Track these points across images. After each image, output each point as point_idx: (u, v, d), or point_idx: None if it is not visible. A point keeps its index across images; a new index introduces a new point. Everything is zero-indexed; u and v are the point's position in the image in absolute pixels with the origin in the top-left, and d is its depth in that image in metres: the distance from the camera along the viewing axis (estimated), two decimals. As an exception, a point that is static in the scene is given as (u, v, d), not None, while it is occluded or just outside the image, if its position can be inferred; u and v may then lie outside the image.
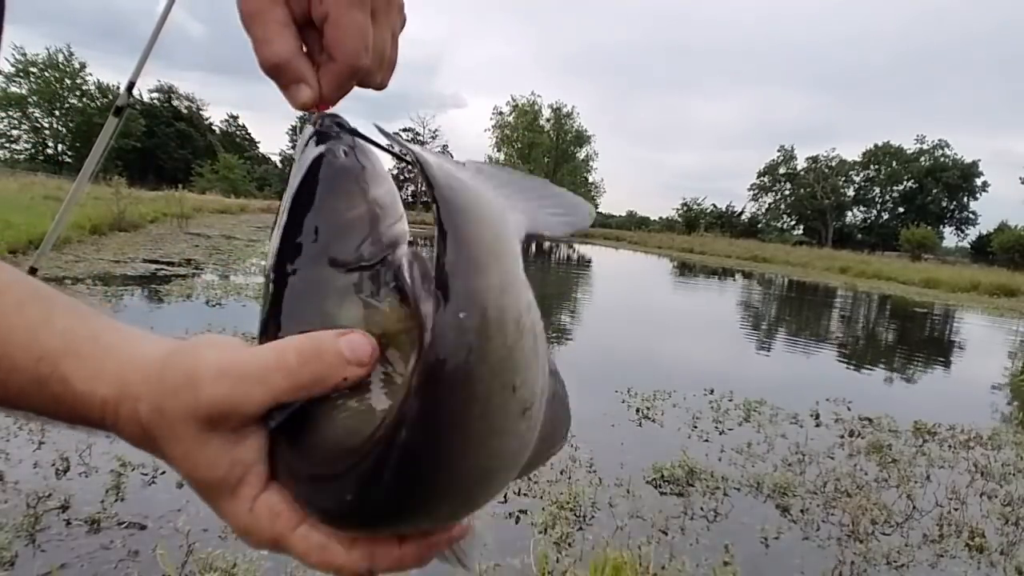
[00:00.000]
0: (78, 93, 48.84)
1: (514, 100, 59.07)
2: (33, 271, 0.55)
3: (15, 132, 47.75)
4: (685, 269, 23.31)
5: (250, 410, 0.30)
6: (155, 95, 55.49)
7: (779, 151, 71.84)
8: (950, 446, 4.14)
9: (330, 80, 0.38)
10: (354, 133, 0.37)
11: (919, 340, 10.30)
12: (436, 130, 69.33)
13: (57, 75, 47.45)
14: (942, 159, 63.28)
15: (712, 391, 4.94)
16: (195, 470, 0.31)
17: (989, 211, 75.61)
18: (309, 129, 0.37)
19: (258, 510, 0.32)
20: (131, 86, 0.49)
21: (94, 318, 0.34)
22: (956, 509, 3.13)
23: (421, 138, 68.72)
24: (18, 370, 0.31)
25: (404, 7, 0.43)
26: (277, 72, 0.37)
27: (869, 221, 68.32)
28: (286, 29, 0.37)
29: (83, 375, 0.32)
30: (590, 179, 61.92)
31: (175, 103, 56.78)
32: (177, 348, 0.32)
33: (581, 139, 60.66)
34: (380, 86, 0.43)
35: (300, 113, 0.39)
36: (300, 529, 0.32)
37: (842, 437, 4.15)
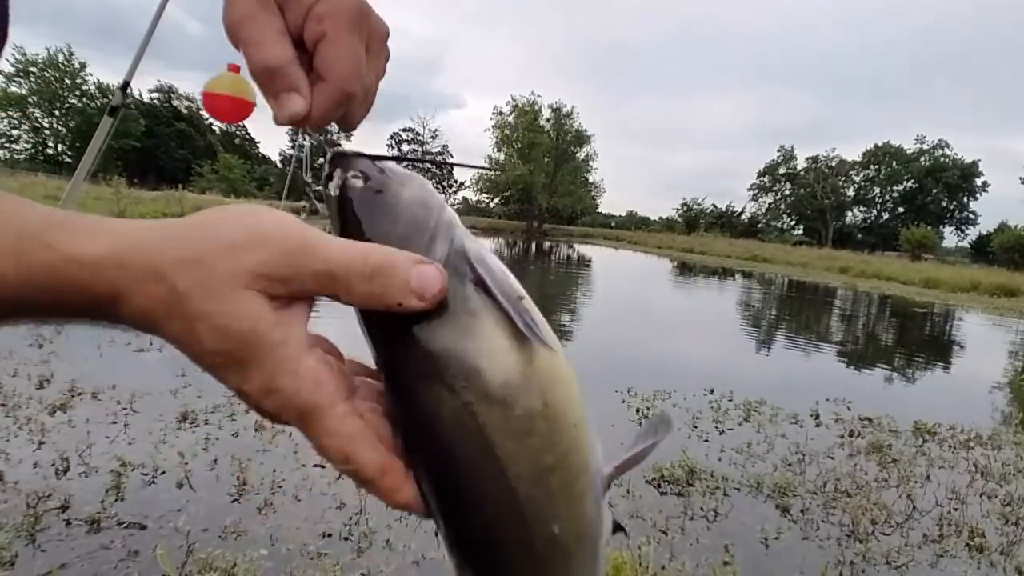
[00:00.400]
0: (78, 93, 48.82)
1: (514, 100, 59.08)
2: None
3: (15, 132, 47.74)
4: (685, 269, 23.30)
5: (311, 290, 0.30)
6: (155, 95, 55.49)
7: (779, 151, 71.86)
8: (950, 446, 4.14)
9: (319, 101, 0.37)
10: (363, 156, 0.37)
11: (919, 340, 10.30)
12: (436, 130, 69.46)
13: (57, 75, 47.43)
14: (942, 159, 63.26)
15: (712, 391, 4.94)
16: (232, 323, 0.28)
17: (989, 211, 75.54)
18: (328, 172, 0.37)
19: (303, 373, 0.29)
20: (125, 86, 0.48)
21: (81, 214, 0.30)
22: (956, 509, 3.13)
23: (421, 138, 68.78)
24: None
25: (388, 61, 0.43)
26: (270, 77, 0.36)
27: (869, 221, 68.31)
28: (282, 35, 0.36)
29: (73, 237, 0.27)
30: (590, 179, 61.91)
31: (175, 103, 56.77)
32: (220, 210, 0.30)
33: (581, 139, 60.63)
34: (352, 126, 0.42)
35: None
36: (337, 409, 0.30)
37: (842, 437, 4.15)
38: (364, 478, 0.31)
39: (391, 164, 0.37)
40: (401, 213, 0.35)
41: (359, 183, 0.35)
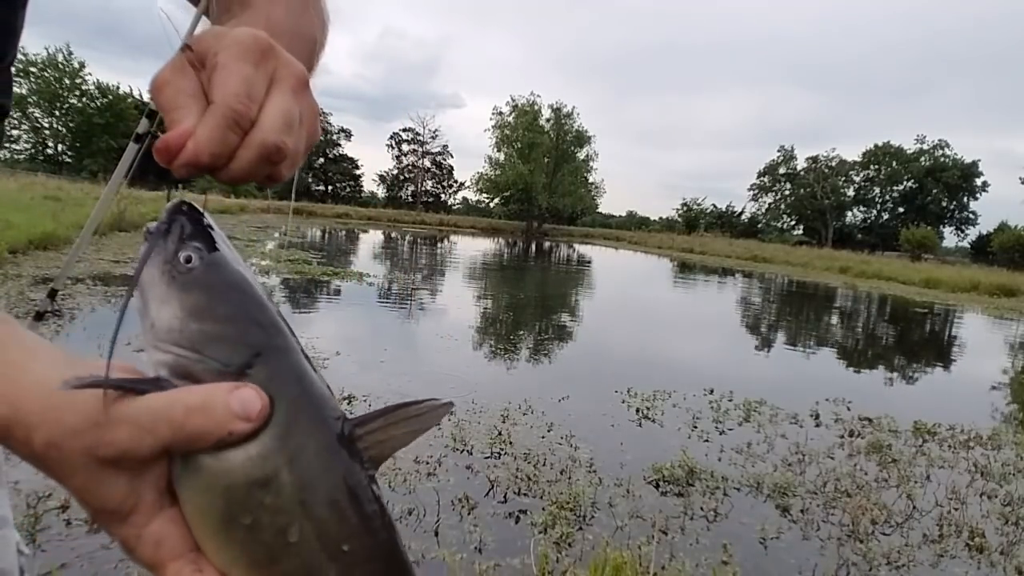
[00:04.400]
0: (78, 93, 48.81)
1: (513, 100, 59.06)
2: (53, 293, 0.54)
3: (15, 132, 47.72)
4: (685, 269, 23.30)
5: (143, 454, 0.32)
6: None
7: (779, 151, 71.81)
8: (950, 446, 4.14)
9: (208, 121, 0.35)
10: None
11: (919, 340, 10.30)
12: (436, 130, 69.38)
13: (57, 75, 47.43)
14: (942, 159, 63.23)
15: (712, 391, 4.94)
16: (90, 500, 0.33)
17: (989, 211, 75.80)
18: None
19: (144, 538, 0.33)
20: (153, 114, 0.48)
21: (5, 329, 0.34)
22: (956, 509, 3.13)
23: (421, 138, 68.73)
24: None
25: (316, 115, 0.42)
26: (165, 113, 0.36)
27: (869, 221, 68.28)
28: (192, 98, 0.36)
29: None
30: (590, 179, 61.88)
31: (175, 103, 56.70)
32: (77, 392, 0.32)
33: (581, 139, 60.59)
34: (281, 172, 0.40)
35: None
36: (175, 564, 0.33)
37: (842, 437, 4.15)
38: None
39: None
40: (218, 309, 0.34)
41: (195, 263, 0.35)
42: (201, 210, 0.38)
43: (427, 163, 69.56)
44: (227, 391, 0.32)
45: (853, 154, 78.82)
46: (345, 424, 0.35)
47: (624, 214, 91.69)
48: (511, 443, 3.39)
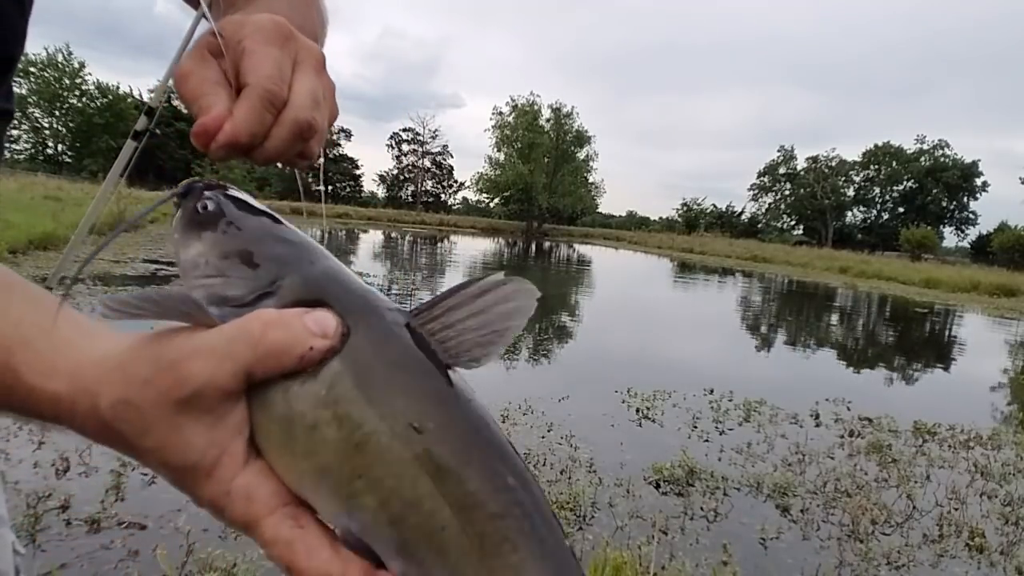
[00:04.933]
0: (77, 93, 48.83)
1: (513, 100, 59.05)
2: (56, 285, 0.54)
3: (15, 132, 47.73)
4: (685, 269, 23.30)
5: (223, 384, 0.30)
6: (154, 95, 55.45)
7: (779, 151, 71.81)
8: (950, 446, 4.14)
9: (245, 104, 0.37)
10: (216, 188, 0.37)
11: (919, 340, 10.30)
12: (436, 130, 69.38)
13: (56, 75, 47.45)
14: (942, 159, 63.24)
15: (712, 391, 4.94)
16: (170, 457, 0.31)
17: (989, 211, 75.68)
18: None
19: (233, 493, 0.31)
20: (150, 111, 0.49)
21: (51, 309, 0.34)
22: (956, 509, 3.13)
23: (421, 138, 68.73)
24: None
25: (334, 94, 0.43)
26: (192, 102, 0.37)
27: (869, 221, 68.29)
28: (216, 85, 0.38)
29: (35, 369, 0.31)
30: (590, 179, 61.86)
31: (175, 103, 56.80)
32: (135, 341, 0.32)
33: (581, 139, 60.57)
34: (312, 148, 0.42)
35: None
36: (272, 518, 0.31)
37: (842, 437, 4.15)
38: None
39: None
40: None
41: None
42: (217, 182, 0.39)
43: (427, 163, 69.58)
44: (300, 312, 0.31)
45: (853, 154, 78.90)
46: (403, 315, 0.33)
47: (624, 214, 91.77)
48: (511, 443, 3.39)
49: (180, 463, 0.31)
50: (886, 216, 67.16)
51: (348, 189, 68.28)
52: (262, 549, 0.32)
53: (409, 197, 69.41)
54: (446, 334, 0.33)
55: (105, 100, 48.91)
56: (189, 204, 0.36)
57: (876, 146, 67.10)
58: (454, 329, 0.33)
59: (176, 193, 0.38)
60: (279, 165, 0.44)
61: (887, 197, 67.21)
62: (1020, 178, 57.20)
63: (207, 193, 0.36)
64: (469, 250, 23.24)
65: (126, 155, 0.51)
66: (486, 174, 59.31)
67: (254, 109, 0.37)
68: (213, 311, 0.32)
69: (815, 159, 68.80)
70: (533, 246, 33.30)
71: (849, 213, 69.29)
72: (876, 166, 66.86)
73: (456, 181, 70.72)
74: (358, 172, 69.17)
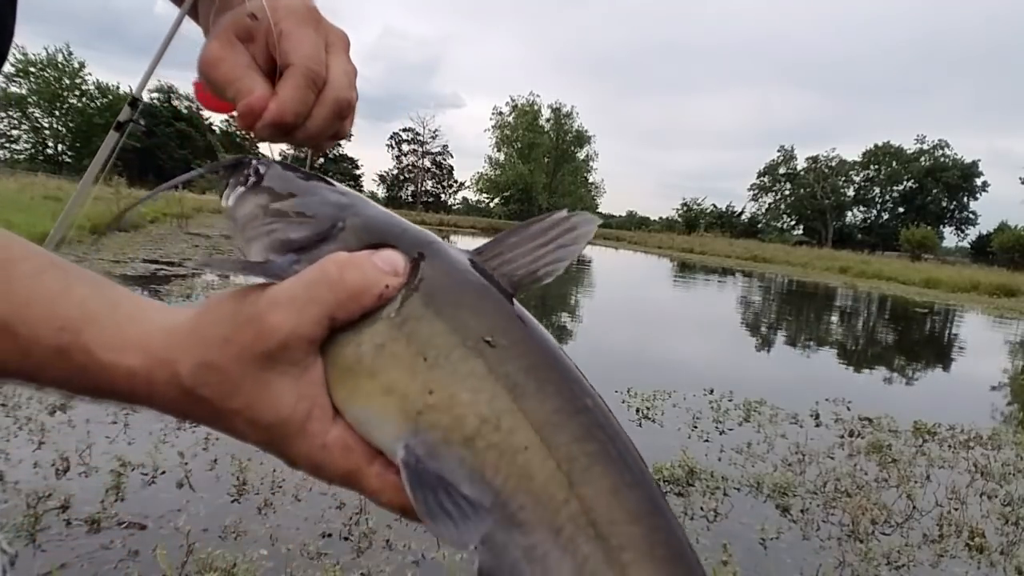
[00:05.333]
0: (77, 93, 48.85)
1: (513, 100, 59.13)
2: None
3: (15, 132, 47.77)
4: (685, 269, 23.30)
5: (308, 331, 0.30)
6: (155, 95, 55.48)
7: (779, 151, 71.89)
8: (950, 446, 4.14)
9: (290, 83, 0.38)
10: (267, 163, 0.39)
11: (919, 340, 10.30)
12: (436, 130, 69.41)
13: (56, 75, 47.46)
14: (942, 159, 63.28)
15: (712, 391, 4.94)
16: (259, 416, 0.30)
17: (989, 211, 75.53)
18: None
19: (331, 445, 0.31)
20: (134, 101, 0.49)
21: (111, 288, 0.33)
22: (956, 509, 3.13)
23: (421, 138, 68.74)
24: (39, 341, 0.30)
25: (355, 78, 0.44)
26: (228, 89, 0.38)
27: (869, 221, 68.33)
28: (249, 69, 0.38)
29: (107, 344, 0.31)
30: (590, 179, 61.95)
31: (175, 103, 56.81)
32: (204, 306, 0.32)
33: (581, 139, 60.65)
34: (346, 127, 0.43)
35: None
36: (375, 466, 0.31)
37: (842, 437, 4.15)
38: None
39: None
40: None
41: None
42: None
43: (427, 163, 69.60)
44: (368, 254, 0.31)
45: (853, 154, 78.94)
46: (464, 253, 0.34)
47: (624, 214, 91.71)
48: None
49: (272, 420, 0.30)
50: (886, 216, 67.20)
51: (348, 189, 68.17)
52: (370, 499, 0.32)
53: (409, 197, 69.42)
54: (510, 267, 0.33)
55: (105, 100, 48.92)
56: (241, 171, 0.38)
57: (876, 146, 67.14)
58: (517, 263, 0.33)
59: (225, 165, 0.38)
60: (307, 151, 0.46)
61: (887, 197, 67.26)
62: (1020, 178, 57.23)
63: (257, 160, 0.38)
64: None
65: (109, 145, 0.51)
66: (486, 174, 59.41)
67: (299, 88, 0.38)
68: (275, 258, 0.33)
69: (815, 159, 68.85)
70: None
71: (849, 213, 69.35)
72: (876, 166, 66.90)
73: (456, 181, 70.76)
74: (358, 172, 69.13)
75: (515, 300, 0.33)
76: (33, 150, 49.22)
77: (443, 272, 0.32)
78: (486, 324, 0.31)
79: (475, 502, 0.29)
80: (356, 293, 0.30)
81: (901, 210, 65.38)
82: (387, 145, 69.88)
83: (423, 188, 69.52)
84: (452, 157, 71.26)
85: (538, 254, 0.33)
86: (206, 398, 0.30)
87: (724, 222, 69.29)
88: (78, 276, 0.32)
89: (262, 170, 0.37)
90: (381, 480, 0.31)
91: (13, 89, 46.10)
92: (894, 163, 65.46)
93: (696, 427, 4.07)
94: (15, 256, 0.31)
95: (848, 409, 4.83)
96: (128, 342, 0.31)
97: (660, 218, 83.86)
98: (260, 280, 0.32)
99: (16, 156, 47.65)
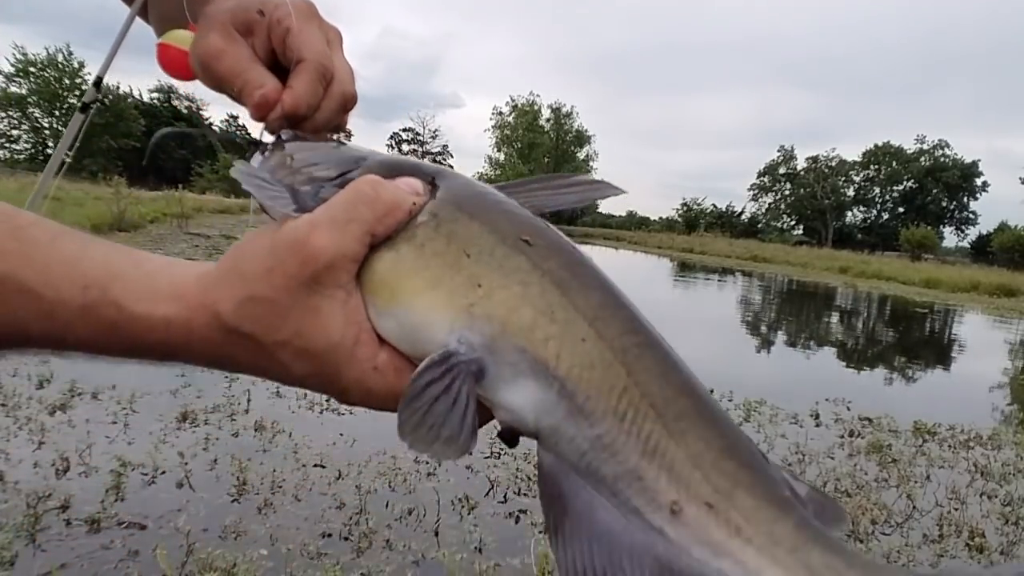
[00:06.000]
0: (77, 93, 48.80)
1: (513, 100, 59.16)
2: None
3: (15, 132, 47.75)
4: (685, 269, 23.30)
5: (352, 250, 0.30)
6: (155, 95, 55.52)
7: (779, 151, 71.86)
8: (950, 446, 4.14)
9: (304, 77, 0.40)
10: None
11: (919, 340, 10.30)
12: (436, 130, 69.43)
13: (56, 75, 47.44)
14: (942, 159, 63.27)
15: (712, 391, 4.91)
16: (310, 343, 0.30)
17: (989, 211, 75.29)
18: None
19: (382, 368, 0.31)
20: (99, 81, 0.50)
21: (130, 250, 0.33)
22: (956, 509, 3.13)
23: (421, 138, 68.75)
24: (64, 301, 0.29)
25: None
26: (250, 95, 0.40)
27: (869, 221, 68.33)
28: (253, 62, 0.40)
29: (137, 296, 0.30)
30: (590, 179, 61.86)
31: (175, 103, 56.82)
32: (236, 248, 0.32)
33: (581, 139, 60.70)
34: (346, 120, 0.45)
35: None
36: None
37: (842, 437, 4.15)
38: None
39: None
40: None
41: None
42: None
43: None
44: (388, 179, 0.33)
45: (853, 154, 78.91)
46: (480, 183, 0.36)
47: (624, 214, 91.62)
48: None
49: (323, 346, 0.30)
50: (886, 216, 67.19)
51: (348, 189, 68.25)
52: None
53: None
54: (528, 199, 0.35)
55: (105, 100, 48.90)
56: (262, 151, 0.41)
57: (876, 146, 67.13)
58: (537, 196, 0.35)
59: (254, 141, 0.41)
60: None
61: (887, 197, 67.25)
62: (1020, 178, 57.23)
63: (275, 138, 0.41)
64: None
65: (75, 127, 0.52)
66: (486, 174, 59.37)
67: (312, 82, 0.40)
68: (306, 189, 0.34)
69: (815, 159, 68.84)
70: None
71: (849, 213, 69.34)
72: (876, 166, 66.89)
73: (456, 181, 70.67)
74: (358, 172, 69.15)
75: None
76: (33, 150, 49.17)
77: (463, 186, 0.34)
78: (519, 226, 0.32)
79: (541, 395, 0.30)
80: (392, 207, 0.31)
81: (901, 210, 65.37)
82: (387, 145, 69.90)
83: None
84: (452, 157, 71.37)
85: (555, 194, 0.35)
86: (251, 334, 0.29)
87: (724, 222, 69.26)
88: (93, 240, 0.32)
89: (286, 136, 0.40)
90: None
91: (13, 89, 46.13)
92: (894, 163, 65.44)
93: (696, 427, 4.07)
94: (25, 223, 0.31)
95: (848, 409, 4.83)
96: (160, 292, 0.30)
97: (660, 218, 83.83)
98: (286, 213, 0.32)
99: (16, 156, 47.63)
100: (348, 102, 0.43)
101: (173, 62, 0.43)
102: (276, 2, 0.41)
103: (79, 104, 0.53)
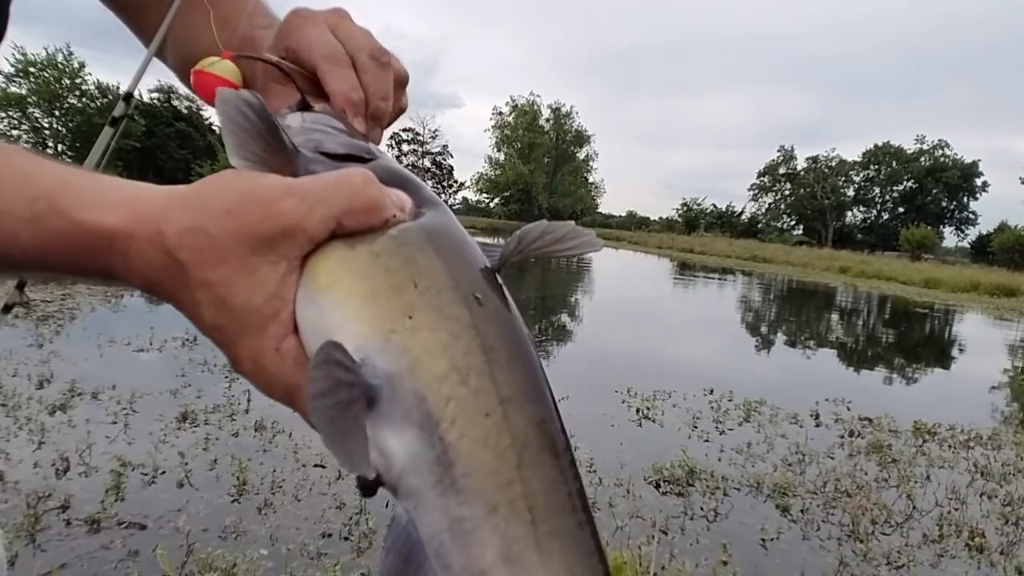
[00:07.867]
0: (78, 93, 48.78)
1: (513, 100, 59.18)
2: (22, 285, 0.53)
3: (15, 132, 47.72)
4: (685, 269, 23.30)
5: (313, 228, 0.29)
6: (155, 95, 55.49)
7: (779, 151, 71.82)
8: (950, 446, 4.14)
9: (368, 74, 0.45)
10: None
11: (919, 340, 10.30)
12: (436, 130, 69.39)
13: (56, 75, 47.43)
14: (942, 159, 63.23)
15: (712, 391, 4.94)
16: (233, 296, 0.29)
17: (989, 211, 75.35)
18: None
19: (285, 353, 0.30)
20: (128, 96, 0.49)
21: (92, 172, 0.32)
22: (956, 509, 3.13)
23: (421, 138, 68.74)
24: (12, 212, 0.28)
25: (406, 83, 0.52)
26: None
27: (869, 221, 68.28)
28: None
29: (85, 203, 0.29)
30: (590, 179, 62.00)
31: (175, 103, 56.83)
32: (214, 178, 0.31)
33: (581, 139, 60.70)
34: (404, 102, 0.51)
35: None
36: None
37: (842, 437, 4.15)
38: None
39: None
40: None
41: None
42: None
43: (427, 163, 69.57)
44: (383, 184, 0.32)
45: (853, 154, 78.91)
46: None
47: (624, 214, 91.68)
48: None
49: (241, 304, 0.29)
50: (886, 216, 67.16)
51: (348, 189, 68.18)
52: (305, 418, 0.30)
53: (409, 196, 69.27)
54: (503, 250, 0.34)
55: (105, 100, 48.86)
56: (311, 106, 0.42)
57: (876, 146, 67.09)
58: (509, 247, 0.34)
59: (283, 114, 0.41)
60: None
61: (887, 197, 67.21)
62: (1020, 178, 57.19)
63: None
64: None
65: (103, 142, 0.52)
66: (486, 174, 59.43)
67: (373, 73, 0.47)
68: (307, 153, 0.34)
69: (815, 159, 68.82)
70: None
71: (849, 213, 69.29)
72: (876, 166, 66.85)
73: (456, 181, 70.72)
74: (358, 172, 69.05)
75: (498, 275, 0.34)
76: (33, 150, 49.17)
77: (445, 224, 0.34)
78: (478, 281, 0.31)
79: (417, 451, 0.27)
80: (369, 207, 0.30)
81: (901, 210, 65.32)
82: (387, 145, 68.48)
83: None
84: (452, 157, 71.24)
85: (548, 246, 0.34)
86: (183, 263, 0.29)
87: (724, 222, 69.22)
88: (51, 160, 0.31)
89: (316, 107, 0.41)
90: None
91: (13, 89, 46.12)
92: (894, 163, 65.40)
93: (696, 427, 4.07)
94: None
95: (848, 409, 4.83)
96: (110, 201, 0.29)
97: (660, 218, 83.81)
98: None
99: (16, 156, 47.52)
100: (400, 78, 0.49)
101: (210, 89, 0.44)
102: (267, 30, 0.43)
103: (109, 118, 0.52)
